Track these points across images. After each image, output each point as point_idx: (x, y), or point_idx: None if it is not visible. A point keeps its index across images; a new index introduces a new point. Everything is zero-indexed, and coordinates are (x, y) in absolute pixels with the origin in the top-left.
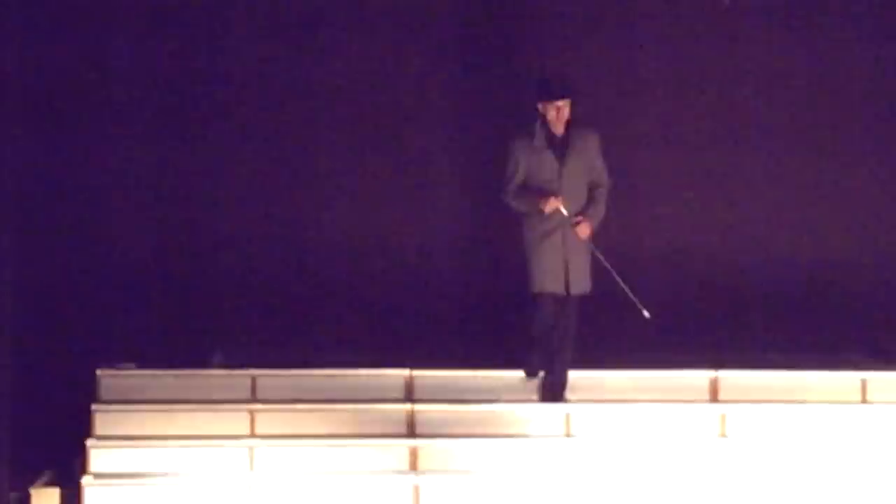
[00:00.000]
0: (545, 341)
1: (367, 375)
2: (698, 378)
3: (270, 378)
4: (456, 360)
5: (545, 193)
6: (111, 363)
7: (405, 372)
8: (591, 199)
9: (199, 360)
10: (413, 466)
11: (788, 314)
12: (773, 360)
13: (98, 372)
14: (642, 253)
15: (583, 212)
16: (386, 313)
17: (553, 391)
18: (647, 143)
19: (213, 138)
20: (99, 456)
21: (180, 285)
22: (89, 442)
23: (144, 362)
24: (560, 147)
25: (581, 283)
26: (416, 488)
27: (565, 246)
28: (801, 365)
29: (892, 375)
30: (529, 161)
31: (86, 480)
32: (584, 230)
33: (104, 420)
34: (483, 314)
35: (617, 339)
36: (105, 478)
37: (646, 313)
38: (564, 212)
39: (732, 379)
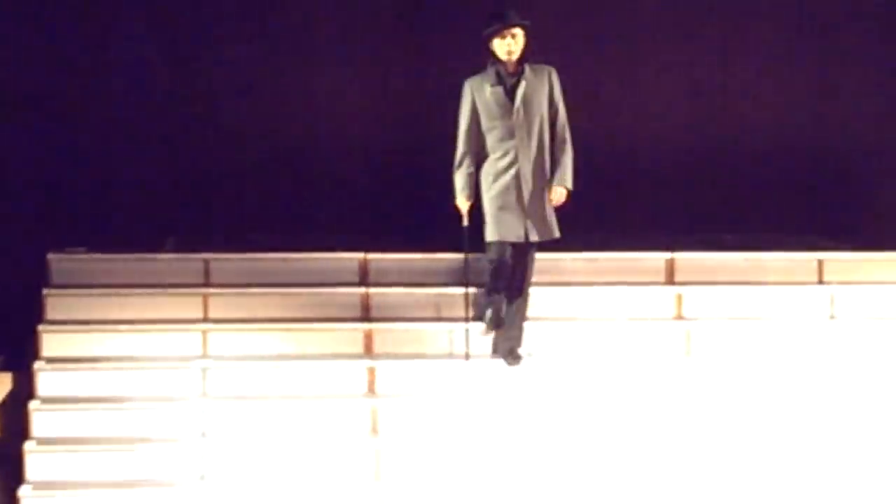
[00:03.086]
0: (503, 285)
1: (322, 259)
2: (655, 260)
3: (223, 262)
4: (410, 243)
5: (469, 195)
6: (63, 247)
7: (359, 255)
8: (555, 160)
9: (152, 245)
10: (368, 350)
11: (746, 196)
12: (729, 242)
13: (49, 256)
14: (600, 135)
15: (554, 176)
16: (340, 196)
17: (510, 347)
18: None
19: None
20: (51, 340)
21: (134, 171)
22: (41, 326)
23: (96, 247)
24: (512, 80)
25: (541, 229)
26: (372, 371)
27: (522, 189)
28: (757, 246)
29: (848, 255)
30: (481, 100)
31: (38, 365)
32: (560, 199)
33: (56, 304)
34: (437, 197)
35: (574, 221)
36: (57, 362)
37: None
38: (465, 223)
39: (689, 260)
